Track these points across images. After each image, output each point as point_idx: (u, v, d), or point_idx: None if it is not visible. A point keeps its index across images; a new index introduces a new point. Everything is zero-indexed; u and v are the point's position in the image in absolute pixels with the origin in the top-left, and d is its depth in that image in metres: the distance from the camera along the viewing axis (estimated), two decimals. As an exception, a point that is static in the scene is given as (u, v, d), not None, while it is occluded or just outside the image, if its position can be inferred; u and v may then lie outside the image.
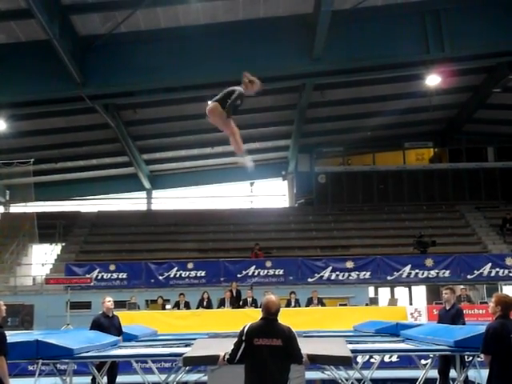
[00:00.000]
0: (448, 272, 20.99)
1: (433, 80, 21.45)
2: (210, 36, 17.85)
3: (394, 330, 10.64)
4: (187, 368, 8.73)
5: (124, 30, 17.60)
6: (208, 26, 17.82)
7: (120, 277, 21.00)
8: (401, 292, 22.58)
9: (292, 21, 17.99)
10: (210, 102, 7.16)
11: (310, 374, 10.39)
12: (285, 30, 17.98)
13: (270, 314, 5.76)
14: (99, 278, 20.80)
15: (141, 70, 18.12)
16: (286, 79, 20.16)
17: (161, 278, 20.96)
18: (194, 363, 7.40)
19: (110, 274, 20.99)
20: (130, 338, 10.56)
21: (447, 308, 9.77)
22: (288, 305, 17.39)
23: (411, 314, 17.64)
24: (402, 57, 19.19)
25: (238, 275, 20.78)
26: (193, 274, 21.01)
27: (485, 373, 6.33)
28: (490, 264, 20.97)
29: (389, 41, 18.21)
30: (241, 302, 17.77)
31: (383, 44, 18.23)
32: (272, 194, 31.83)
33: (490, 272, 20.92)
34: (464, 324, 9.41)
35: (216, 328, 14.02)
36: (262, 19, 18.08)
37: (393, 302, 18.99)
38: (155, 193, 31.09)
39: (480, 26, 18.22)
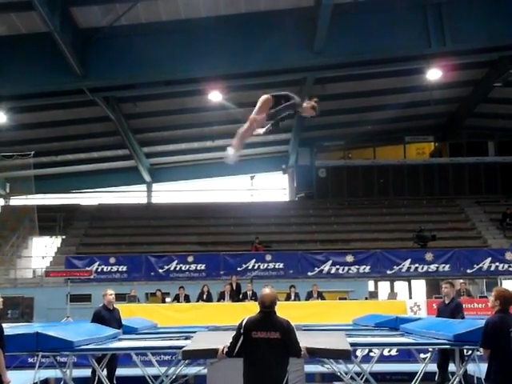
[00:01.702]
0: (448, 266, 21.02)
1: (434, 74, 21.38)
2: (211, 29, 17.80)
3: (393, 324, 10.63)
4: (187, 361, 8.74)
5: (125, 23, 17.57)
6: (209, 19, 17.78)
7: (120, 270, 21.05)
8: (400, 286, 22.58)
9: (293, 14, 17.94)
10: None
11: (310, 368, 10.40)
12: (286, 24, 17.93)
13: (265, 306, 5.78)
14: (99, 270, 20.84)
15: (141, 63, 18.10)
16: (287, 72, 20.11)
17: (161, 271, 21.01)
18: (194, 356, 7.40)
19: (110, 267, 21.03)
20: (129, 330, 10.56)
21: (446, 302, 9.76)
22: (288, 298, 17.41)
23: (411, 307, 17.68)
24: (404, 50, 19.15)
25: (238, 268, 20.81)
26: (193, 267, 21.05)
27: (484, 367, 6.34)
28: (489, 258, 21.00)
29: (390, 34, 18.18)
30: (241, 296, 17.78)
31: (384, 37, 18.20)
32: (272, 188, 31.84)
33: (489, 266, 20.95)
34: (463, 318, 9.41)
35: (216, 321, 14.02)
36: (264, 12, 18.04)
37: (392, 295, 19.01)
38: (155, 186, 31.06)
39: (482, 19, 18.17)
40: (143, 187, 30.98)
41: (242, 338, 5.67)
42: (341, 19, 17.42)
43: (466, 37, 18.39)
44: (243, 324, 5.72)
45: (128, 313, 13.76)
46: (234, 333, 5.84)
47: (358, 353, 10.81)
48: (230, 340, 5.78)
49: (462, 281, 19.74)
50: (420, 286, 23.04)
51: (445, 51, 19.13)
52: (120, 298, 15.90)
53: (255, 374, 5.58)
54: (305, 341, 6.10)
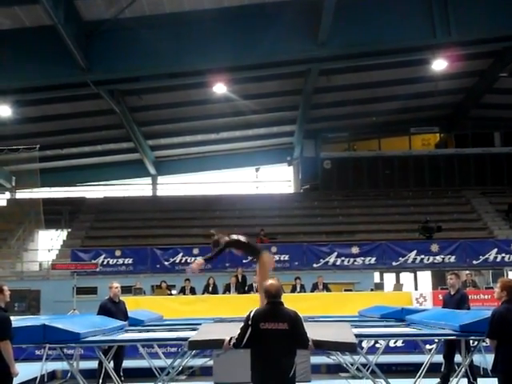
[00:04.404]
0: (453, 257, 20.99)
1: (439, 65, 21.29)
2: (214, 21, 17.77)
3: (399, 315, 10.62)
4: (193, 353, 8.76)
5: (129, 15, 17.56)
6: (213, 10, 17.75)
7: (126, 262, 21.09)
8: (406, 277, 22.60)
9: (297, 5, 17.87)
10: None
11: (316, 359, 10.45)
12: (290, 15, 17.85)
13: (272, 296, 5.76)
14: (105, 263, 20.89)
15: (146, 56, 18.08)
16: (292, 64, 20.07)
17: (166, 263, 21.04)
18: (200, 347, 7.39)
19: (115, 260, 21.08)
20: (136, 322, 10.59)
21: (452, 293, 9.75)
22: (293, 290, 17.42)
23: (416, 299, 17.63)
24: (409, 41, 19.06)
25: (244, 261, 20.72)
26: (198, 259, 21.04)
27: (490, 357, 6.34)
28: (495, 249, 20.94)
29: (395, 25, 18.11)
30: (246, 288, 17.80)
31: (389, 28, 18.13)
32: (277, 180, 31.82)
33: (495, 257, 20.90)
34: (469, 309, 9.39)
35: (221, 313, 14.05)
36: (268, 4, 18.01)
37: (398, 287, 18.99)
38: (160, 179, 31.10)
39: (487, 9, 18.08)
40: (148, 180, 31.03)
41: (250, 329, 5.65)
42: (345, 10, 17.35)
43: (471, 27, 18.30)
44: (251, 315, 5.71)
45: (134, 305, 13.79)
46: (239, 324, 5.84)
47: (364, 344, 10.82)
48: (238, 331, 5.77)
49: (467, 272, 19.67)
50: (426, 277, 23.03)
51: (450, 41, 19.05)
52: (126, 290, 15.94)
53: (263, 365, 5.57)
54: (311, 332, 6.09)
